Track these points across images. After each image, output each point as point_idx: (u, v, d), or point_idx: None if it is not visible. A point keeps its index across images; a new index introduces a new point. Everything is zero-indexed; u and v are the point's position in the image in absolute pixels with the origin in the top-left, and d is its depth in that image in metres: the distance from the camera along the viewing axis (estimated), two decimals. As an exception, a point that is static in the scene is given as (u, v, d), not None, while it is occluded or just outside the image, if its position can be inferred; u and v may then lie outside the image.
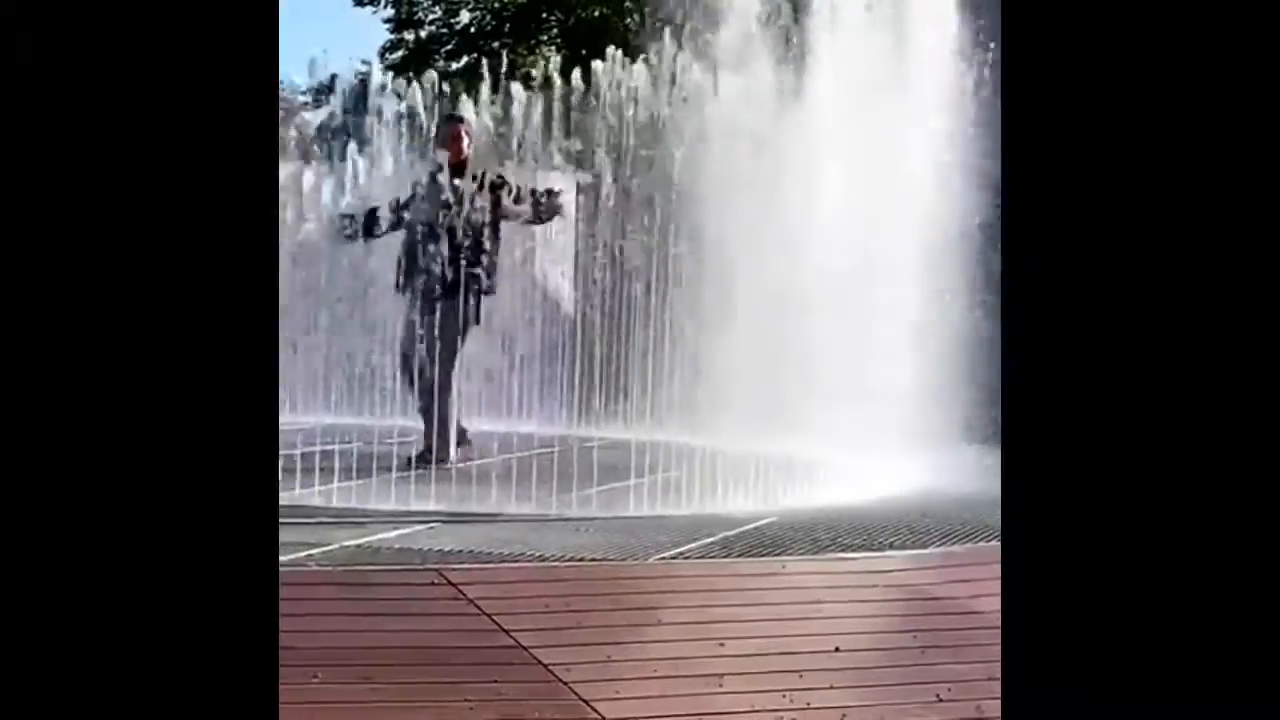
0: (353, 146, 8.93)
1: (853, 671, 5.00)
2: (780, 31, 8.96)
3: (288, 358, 9.57)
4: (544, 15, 22.80)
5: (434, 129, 8.77)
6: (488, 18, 23.34)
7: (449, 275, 8.16)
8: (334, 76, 11.78)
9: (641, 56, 9.24)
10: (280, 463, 7.05)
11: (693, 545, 6.25)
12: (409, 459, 8.22)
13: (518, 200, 8.41)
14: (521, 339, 10.52)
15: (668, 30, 9.09)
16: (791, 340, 8.53)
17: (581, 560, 5.85)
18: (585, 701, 4.60)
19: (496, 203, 8.29)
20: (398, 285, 8.40)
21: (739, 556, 6.13)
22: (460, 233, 8.21)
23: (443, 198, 8.21)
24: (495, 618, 5.02)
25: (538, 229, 9.56)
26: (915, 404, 8.67)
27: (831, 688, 4.84)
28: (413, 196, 8.36)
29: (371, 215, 8.46)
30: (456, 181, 8.26)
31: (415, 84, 9.39)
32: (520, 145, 9.26)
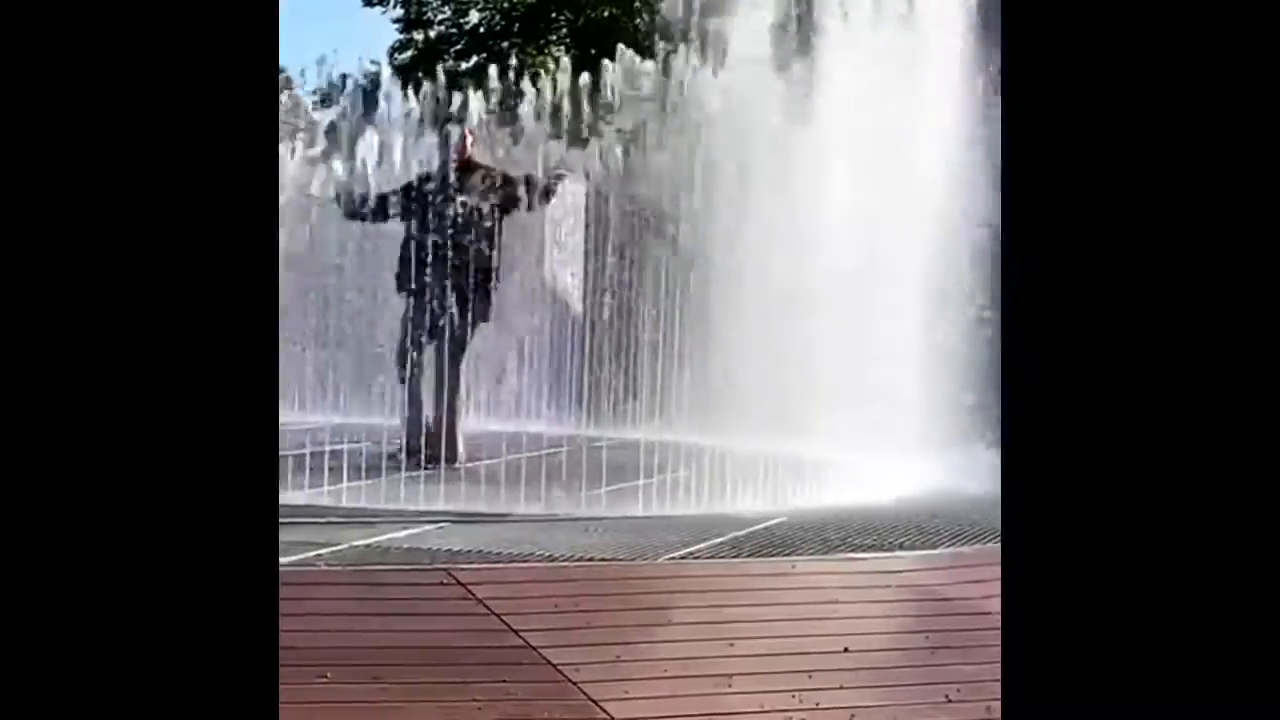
0: (362, 143, 8.94)
1: (863, 672, 4.99)
2: (791, 31, 8.95)
3: (294, 357, 9.59)
4: (553, 15, 22.83)
5: (440, 130, 8.77)
6: (497, 18, 23.38)
7: (455, 272, 8.16)
8: (344, 76, 11.82)
9: (651, 55, 9.25)
10: (290, 462, 7.11)
11: (702, 545, 6.24)
12: (390, 455, 8.14)
13: (498, 184, 8.35)
14: (531, 339, 10.53)
15: (677, 28, 9.09)
16: (801, 340, 8.53)
17: (591, 560, 5.85)
18: (594, 701, 4.59)
19: (482, 185, 8.26)
20: (399, 283, 8.39)
21: (749, 556, 6.12)
22: (465, 229, 8.21)
23: (450, 191, 8.21)
24: (504, 617, 5.02)
25: (549, 231, 9.57)
26: (925, 404, 8.67)
27: (841, 688, 4.83)
28: (424, 179, 8.35)
29: (383, 200, 8.46)
30: (462, 181, 8.27)
31: (424, 84, 9.40)
32: (517, 140, 9.27)
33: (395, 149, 8.84)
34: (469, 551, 5.94)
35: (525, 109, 9.20)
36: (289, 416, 8.92)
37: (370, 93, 10.01)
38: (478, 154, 8.50)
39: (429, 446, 8.30)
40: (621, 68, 9.27)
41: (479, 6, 23.56)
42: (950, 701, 4.83)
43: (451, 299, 8.18)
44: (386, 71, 11.61)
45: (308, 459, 7.41)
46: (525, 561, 5.78)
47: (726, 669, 4.89)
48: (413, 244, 8.28)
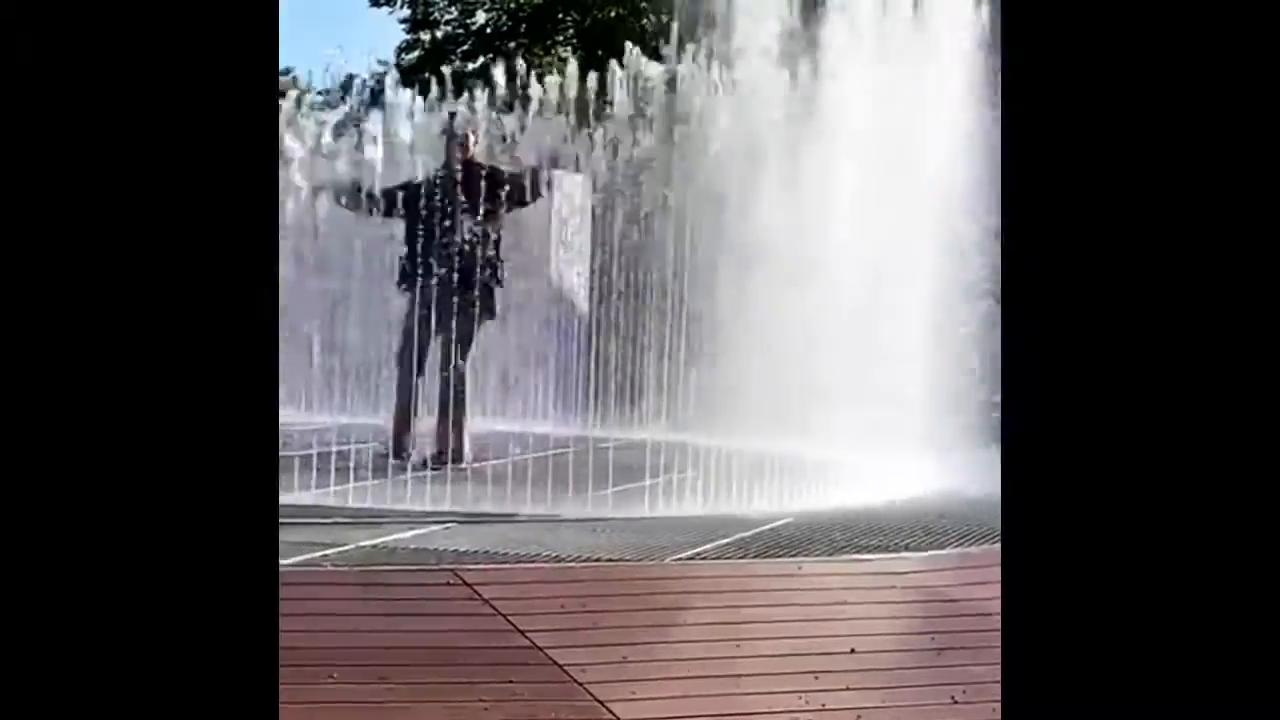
0: (367, 142, 8.94)
1: (869, 673, 4.99)
2: (796, 31, 8.94)
3: (301, 357, 9.59)
4: (560, 16, 22.85)
5: (444, 130, 8.77)
6: (503, 18, 23.40)
7: (459, 268, 8.16)
8: (350, 76, 11.83)
9: (657, 56, 9.25)
10: (297, 463, 7.11)
11: (709, 546, 6.24)
12: (378, 455, 8.14)
13: (501, 182, 8.34)
14: (537, 339, 10.52)
15: (684, 29, 9.08)
16: (808, 340, 8.52)
17: (597, 561, 5.84)
18: (601, 702, 4.59)
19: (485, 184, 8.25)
20: (400, 281, 8.38)
21: (755, 557, 6.12)
22: (467, 226, 8.21)
23: (453, 189, 8.22)
24: (511, 618, 5.02)
25: (554, 230, 9.56)
26: (931, 405, 8.66)
27: (848, 689, 4.83)
28: (430, 178, 8.36)
29: (389, 195, 8.45)
30: (465, 180, 8.27)
31: (431, 83, 9.41)
32: (518, 136, 9.27)
33: (399, 148, 8.84)
34: (475, 552, 5.93)
35: (531, 108, 9.20)
36: (296, 417, 8.94)
37: (377, 92, 10.00)
38: (480, 153, 8.49)
39: (438, 445, 8.30)
40: (628, 67, 9.27)
41: (486, 7, 23.58)
42: (956, 703, 4.83)
43: (455, 297, 8.18)
44: (393, 72, 11.61)
45: (314, 459, 7.41)
46: (532, 562, 5.78)
47: (733, 670, 4.89)
48: (416, 241, 8.28)
